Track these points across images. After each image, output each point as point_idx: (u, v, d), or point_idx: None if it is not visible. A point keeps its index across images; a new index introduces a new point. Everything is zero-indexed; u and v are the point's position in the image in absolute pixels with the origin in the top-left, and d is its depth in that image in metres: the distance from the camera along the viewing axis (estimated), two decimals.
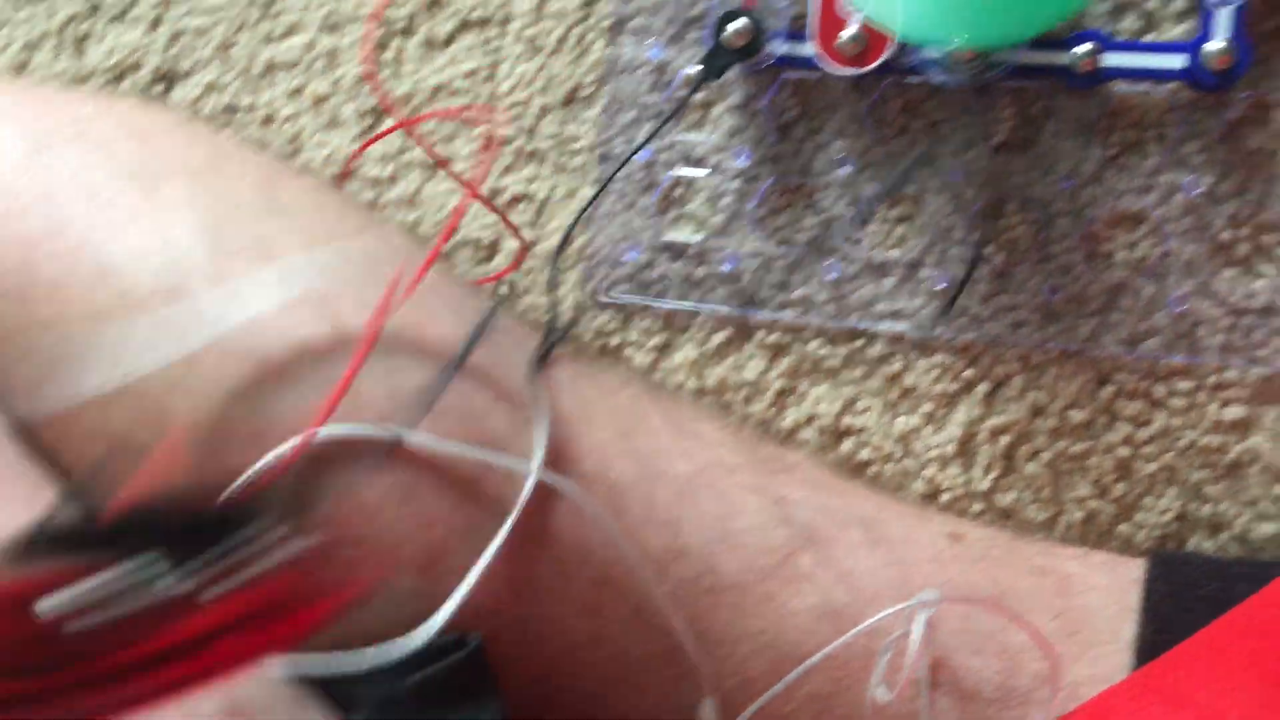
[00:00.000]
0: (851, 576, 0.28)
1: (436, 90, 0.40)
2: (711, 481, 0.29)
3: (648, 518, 0.26)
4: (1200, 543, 0.33)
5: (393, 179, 0.40)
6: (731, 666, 0.27)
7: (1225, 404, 0.32)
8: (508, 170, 0.39)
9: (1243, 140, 0.32)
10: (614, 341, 0.38)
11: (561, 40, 0.38)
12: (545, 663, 0.28)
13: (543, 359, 0.31)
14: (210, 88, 0.42)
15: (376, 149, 0.40)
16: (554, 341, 0.32)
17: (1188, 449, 0.33)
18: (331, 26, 0.40)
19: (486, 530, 0.27)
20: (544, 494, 0.28)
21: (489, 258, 0.39)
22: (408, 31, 0.40)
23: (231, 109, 0.42)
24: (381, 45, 0.40)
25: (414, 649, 0.26)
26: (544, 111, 0.39)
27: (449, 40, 0.40)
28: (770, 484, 0.30)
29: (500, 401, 0.28)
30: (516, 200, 0.39)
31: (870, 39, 0.33)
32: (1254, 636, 0.26)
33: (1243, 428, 0.32)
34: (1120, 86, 0.33)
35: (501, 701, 0.27)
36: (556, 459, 0.28)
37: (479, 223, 0.39)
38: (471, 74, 0.39)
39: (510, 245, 0.39)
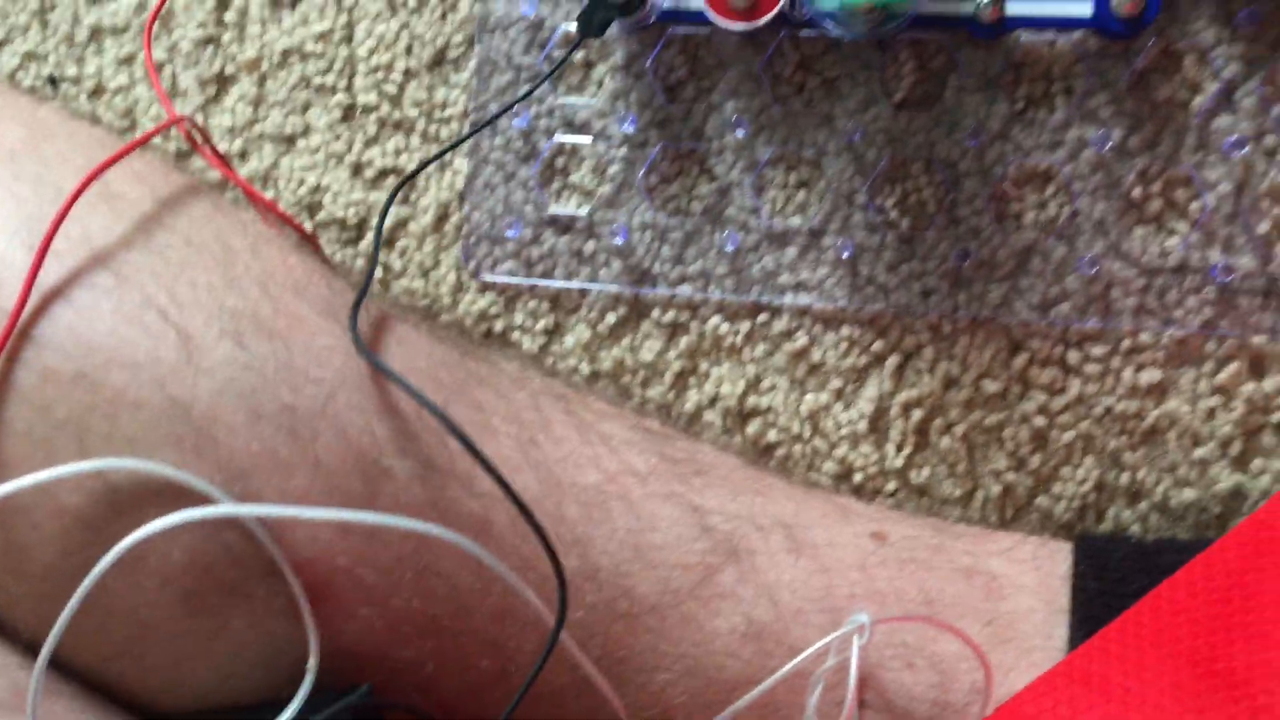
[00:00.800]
0: (775, 590, 0.26)
1: (286, 54, 0.36)
2: (623, 491, 0.26)
3: (555, 537, 0.23)
4: (1120, 513, 0.32)
5: (243, 155, 0.36)
6: (649, 697, 0.25)
7: (1140, 368, 0.31)
8: (372, 141, 0.35)
9: (1152, 90, 0.31)
10: (498, 326, 0.35)
11: None
12: (448, 706, 0.25)
13: (354, 319, 0.27)
14: (29, 57, 0.37)
15: (224, 120, 0.36)
16: (359, 300, 0.28)
17: (1104, 416, 0.32)
18: None
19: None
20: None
21: (356, 239, 0.36)
22: None
23: (54, 80, 0.37)
24: (222, 4, 0.36)
25: (296, 708, 0.23)
26: (409, 76, 0.35)
27: None
28: (685, 491, 0.27)
29: (384, 414, 0.25)
30: (384, 175, 0.35)
31: None
32: (1171, 616, 0.25)
33: (1159, 392, 0.31)
34: (1025, 36, 0.31)
35: None
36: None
37: (344, 199, 0.36)
38: (325, 36, 0.36)
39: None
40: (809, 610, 0.26)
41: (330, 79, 0.36)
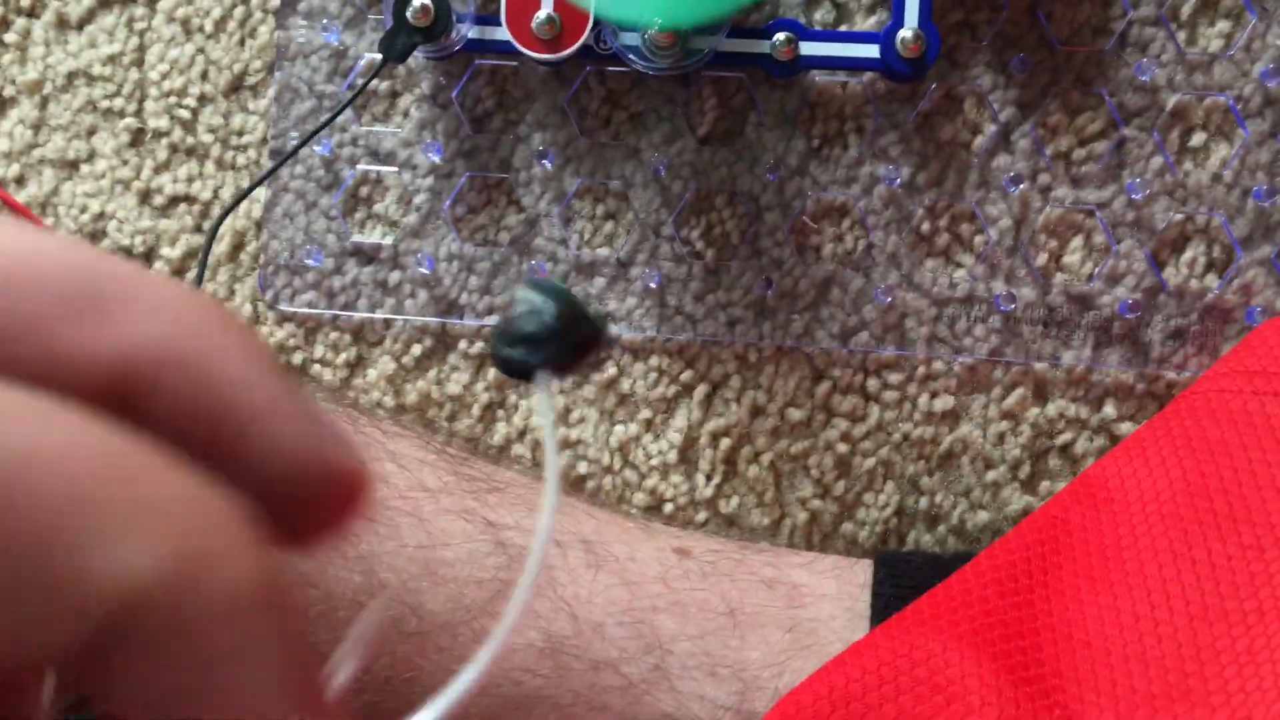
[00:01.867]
0: (574, 604, 0.26)
1: (72, 77, 0.34)
2: (413, 508, 0.25)
3: (337, 553, 0.22)
4: (920, 537, 0.32)
5: (20, 180, 0.34)
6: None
7: (935, 395, 0.32)
8: (162, 167, 0.34)
9: (936, 131, 0.32)
10: (298, 358, 0.33)
11: (222, 21, 0.34)
12: None
13: None
14: None
15: (0, 144, 0.34)
16: None
17: (903, 442, 0.32)
18: None
19: None
20: None
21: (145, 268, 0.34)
22: (34, 12, 0.34)
23: None
24: (3, 24, 0.34)
25: None
26: (204, 101, 0.34)
27: (86, 20, 0.34)
28: (479, 507, 0.26)
29: None
30: (175, 202, 0.34)
31: (565, 22, 0.31)
32: (963, 596, 0.25)
33: (953, 418, 0.32)
34: (819, 76, 0.33)
35: None
36: None
37: (130, 227, 0.34)
38: (114, 59, 0.34)
39: (172, 252, 0.34)
40: (609, 624, 0.25)
41: (119, 103, 0.34)
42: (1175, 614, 0.22)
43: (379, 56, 0.31)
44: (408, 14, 0.30)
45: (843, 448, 0.33)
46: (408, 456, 0.27)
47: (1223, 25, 0.32)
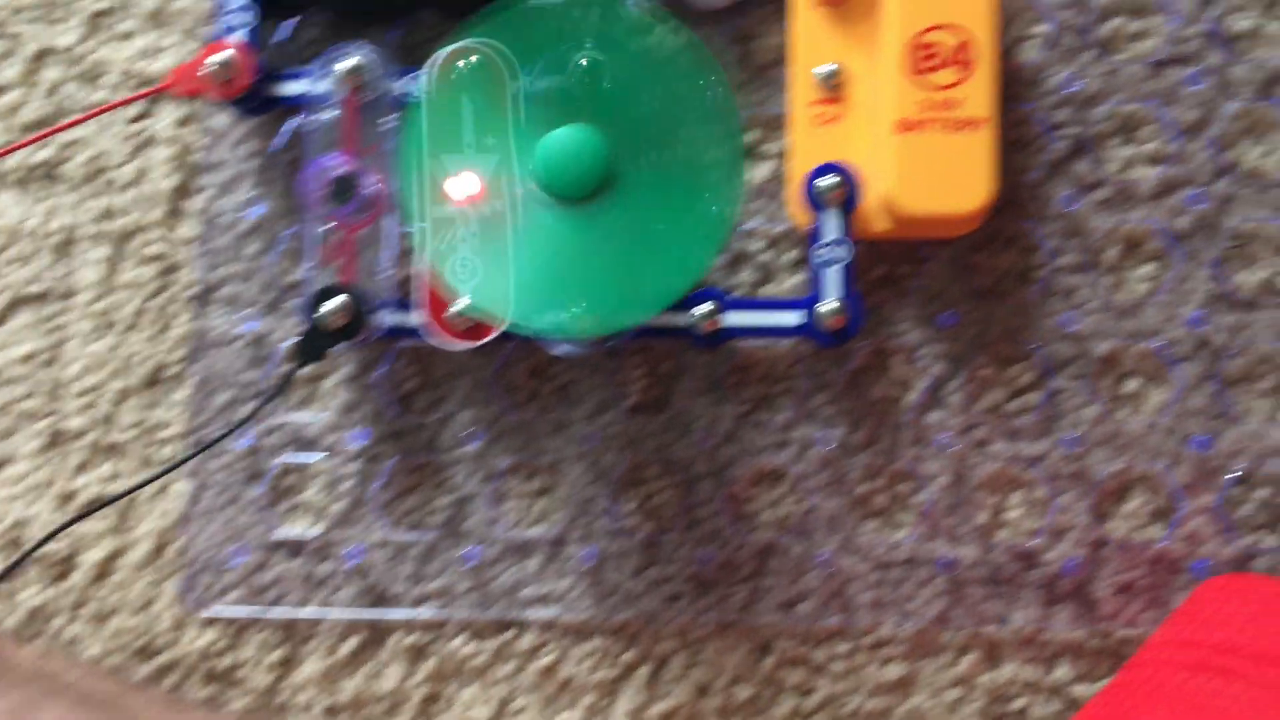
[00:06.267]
0: None
1: None
2: None
3: None
4: None
5: None
6: None
7: (885, 663, 0.31)
8: (82, 468, 0.33)
9: (866, 389, 0.32)
10: (224, 663, 0.32)
11: (139, 314, 0.33)
12: None
13: None
14: None
15: None
16: None
17: (854, 715, 0.31)
18: None
19: None
20: None
21: (63, 575, 0.33)
22: None
23: None
24: None
25: None
26: (123, 396, 0.33)
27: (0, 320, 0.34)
28: None
29: None
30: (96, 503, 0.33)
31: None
32: None
33: (904, 686, 0.31)
34: (746, 341, 0.32)
35: None
36: None
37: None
38: (30, 357, 0.33)
39: (92, 557, 0.33)
40: None
41: (35, 403, 0.33)
42: None
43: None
44: (321, 318, 0.30)
45: None
46: None
47: (1148, 268, 0.32)
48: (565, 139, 0.29)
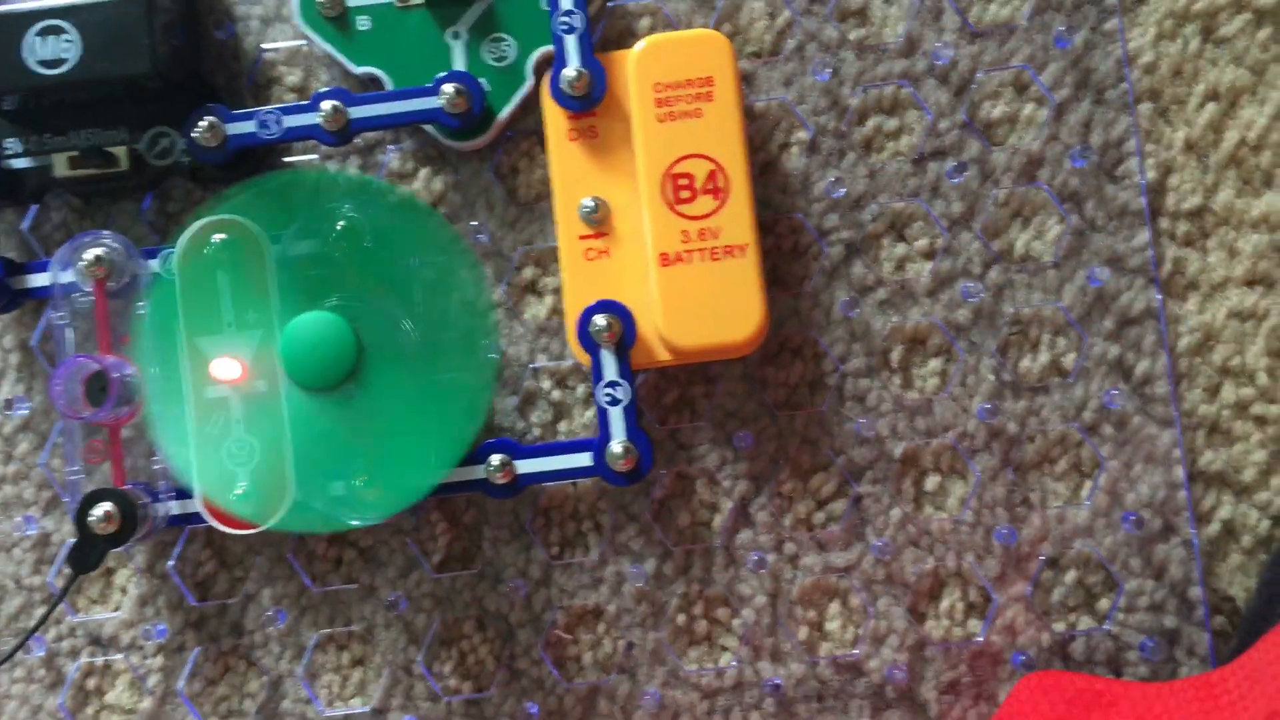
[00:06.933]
0: None
1: None
2: None
3: None
4: None
5: None
6: None
7: None
8: None
9: (673, 517, 0.31)
10: None
11: None
12: None
13: None
14: None
15: None
16: None
17: None
18: None
19: None
20: None
21: None
22: None
23: None
24: None
25: None
26: None
27: None
28: None
29: None
30: None
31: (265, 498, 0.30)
32: None
33: None
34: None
35: None
36: None
37: None
38: None
39: None
40: None
41: None
42: None
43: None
44: (90, 525, 0.29)
45: None
46: None
47: (934, 364, 0.32)
48: (308, 330, 0.28)
